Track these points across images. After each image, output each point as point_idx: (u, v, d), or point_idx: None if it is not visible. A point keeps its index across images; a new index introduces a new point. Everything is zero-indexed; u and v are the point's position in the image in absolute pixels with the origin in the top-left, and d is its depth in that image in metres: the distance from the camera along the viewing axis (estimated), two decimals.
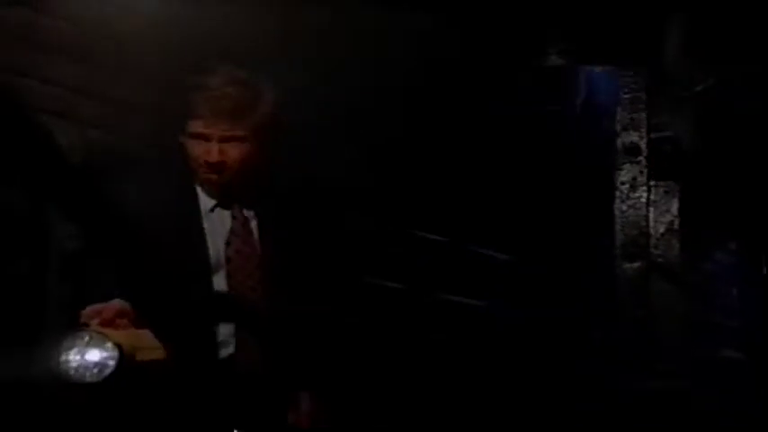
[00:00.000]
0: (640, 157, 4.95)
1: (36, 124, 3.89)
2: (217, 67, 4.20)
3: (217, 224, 4.01)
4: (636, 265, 4.90)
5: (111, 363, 3.42)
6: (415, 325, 5.60)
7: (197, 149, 3.97)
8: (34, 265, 3.83)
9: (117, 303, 3.53)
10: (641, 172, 4.99)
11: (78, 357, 3.47)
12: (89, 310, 3.51)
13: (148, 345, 3.56)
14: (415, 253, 5.68)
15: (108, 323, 3.48)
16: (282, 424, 4.19)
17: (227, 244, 4.01)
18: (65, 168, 3.87)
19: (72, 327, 3.58)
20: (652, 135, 5.06)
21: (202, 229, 4.02)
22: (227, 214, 4.05)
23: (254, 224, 4.10)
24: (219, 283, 4.03)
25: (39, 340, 3.65)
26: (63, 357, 3.47)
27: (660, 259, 4.96)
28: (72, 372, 3.45)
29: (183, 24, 4.68)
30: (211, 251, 3.98)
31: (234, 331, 4.00)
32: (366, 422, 4.99)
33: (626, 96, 5.08)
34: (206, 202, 4.03)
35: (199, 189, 4.06)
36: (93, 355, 3.44)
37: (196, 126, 3.98)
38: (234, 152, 3.97)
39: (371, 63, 5.39)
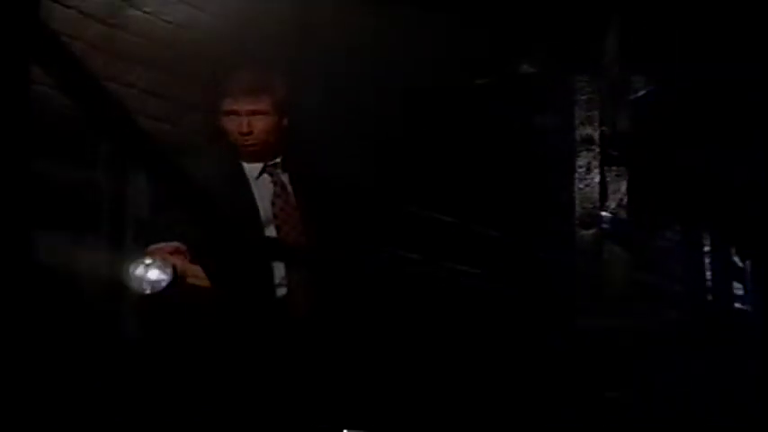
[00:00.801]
0: (594, 147, 5.03)
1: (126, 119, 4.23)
2: (243, 63, 4.64)
3: (263, 189, 4.36)
4: (591, 232, 4.97)
5: (165, 280, 3.85)
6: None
7: (231, 124, 4.36)
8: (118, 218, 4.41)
9: (175, 244, 3.95)
10: (595, 158, 5.03)
11: (143, 274, 3.92)
12: (152, 247, 3.96)
13: (196, 275, 3.98)
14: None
15: (167, 254, 3.91)
16: (329, 358, 4.38)
17: (273, 204, 4.34)
18: (147, 151, 4.25)
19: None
20: (603, 129, 5.12)
21: (251, 192, 4.36)
22: (268, 180, 4.40)
23: (289, 187, 4.39)
24: (271, 235, 4.34)
25: (122, 266, 4.01)
26: (133, 273, 3.92)
27: (611, 228, 5.08)
28: (138, 284, 3.91)
29: (222, 37, 5.05)
30: (261, 210, 4.30)
31: (285, 274, 4.28)
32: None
33: (582, 98, 5.15)
34: (251, 171, 4.37)
35: (244, 163, 4.40)
36: (153, 273, 3.91)
37: (228, 104, 4.35)
38: (259, 124, 4.36)
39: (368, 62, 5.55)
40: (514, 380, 5.47)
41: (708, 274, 7.45)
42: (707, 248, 7.46)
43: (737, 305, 7.67)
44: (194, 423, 4.09)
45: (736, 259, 7.73)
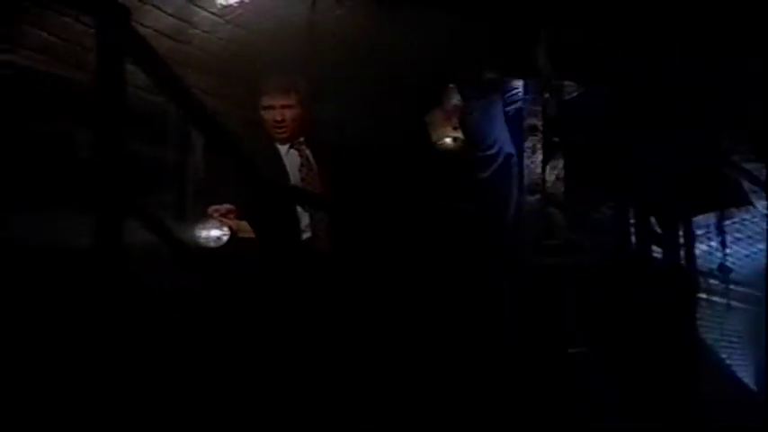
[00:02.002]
0: (538, 133, 5.32)
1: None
2: (276, 69, 4.89)
3: (292, 161, 4.68)
4: (536, 197, 5.34)
5: (225, 236, 4.17)
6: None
7: (268, 115, 4.69)
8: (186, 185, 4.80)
9: (227, 206, 4.24)
10: (539, 142, 5.32)
11: (206, 233, 4.22)
12: (211, 208, 4.23)
13: (245, 229, 4.28)
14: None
15: (222, 215, 4.21)
16: (350, 294, 4.48)
17: (300, 171, 4.64)
18: (207, 136, 4.32)
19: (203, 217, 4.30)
20: (545, 120, 5.35)
21: (283, 163, 4.67)
22: (296, 154, 4.71)
23: (311, 159, 4.71)
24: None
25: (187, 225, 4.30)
26: (199, 233, 4.22)
27: (551, 194, 5.36)
28: (204, 241, 4.20)
29: (260, 49, 5.35)
30: (291, 176, 4.61)
31: (309, 222, 4.58)
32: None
33: (529, 97, 5.42)
34: (282, 149, 4.71)
35: (277, 144, 4.72)
36: (215, 231, 4.20)
37: (266, 101, 4.69)
38: (289, 114, 4.69)
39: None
40: (480, 309, 5.33)
41: (632, 236, 7.31)
42: (631, 216, 7.30)
43: (653, 255, 7.46)
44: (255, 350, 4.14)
45: (654, 224, 7.54)
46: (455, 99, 5.69)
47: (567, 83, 5.60)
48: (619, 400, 5.83)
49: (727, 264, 10.12)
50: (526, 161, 5.38)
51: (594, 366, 5.60)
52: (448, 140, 5.62)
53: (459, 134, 5.59)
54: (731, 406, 8.91)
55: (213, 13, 5.25)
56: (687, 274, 7.94)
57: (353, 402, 4.24)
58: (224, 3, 5.25)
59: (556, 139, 5.42)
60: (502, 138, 5.62)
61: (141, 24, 4.57)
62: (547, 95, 5.41)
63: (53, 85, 4.54)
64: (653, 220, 7.41)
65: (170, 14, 4.99)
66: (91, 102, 3.65)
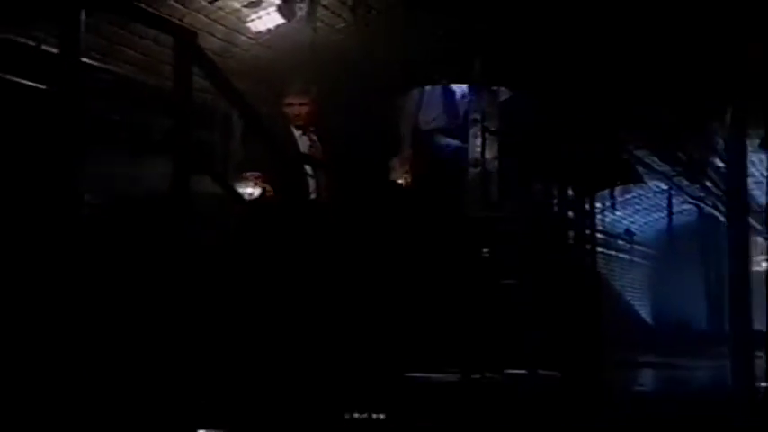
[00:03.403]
0: (478, 124, 5.54)
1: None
2: (295, 77, 5.03)
3: (303, 142, 4.86)
4: (478, 169, 5.55)
5: (257, 191, 4.43)
6: None
7: (290, 110, 4.85)
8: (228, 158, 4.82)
9: (256, 173, 4.50)
10: (479, 131, 5.52)
11: (245, 190, 4.46)
12: (247, 173, 4.52)
13: (269, 190, 4.50)
14: None
15: (254, 179, 4.47)
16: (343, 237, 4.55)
17: (309, 150, 4.85)
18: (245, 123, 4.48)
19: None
20: (484, 115, 5.55)
21: (297, 144, 4.85)
22: (306, 138, 4.88)
23: (317, 141, 4.88)
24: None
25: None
26: (240, 189, 4.42)
27: (489, 168, 5.58)
28: (244, 195, 4.35)
29: (283, 63, 5.49)
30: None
31: (315, 187, 4.76)
32: None
33: (473, 99, 5.62)
34: (297, 134, 4.87)
35: (294, 130, 4.85)
36: (249, 188, 4.51)
37: (288, 100, 4.84)
38: (303, 110, 4.85)
39: None
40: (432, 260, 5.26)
41: (552, 203, 6.91)
42: (552, 189, 6.87)
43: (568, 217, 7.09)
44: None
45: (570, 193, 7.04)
46: (406, 150, 5.69)
47: (500, 89, 5.76)
48: (538, 317, 5.87)
49: (631, 229, 10.58)
50: (470, 144, 5.57)
51: (521, 294, 5.70)
52: (401, 180, 5.60)
53: (408, 175, 5.56)
54: (628, 331, 9.10)
55: (249, 38, 5.54)
56: (589, 234, 7.57)
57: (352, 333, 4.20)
58: (255, 30, 5.53)
59: (492, 129, 5.61)
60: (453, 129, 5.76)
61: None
62: (485, 98, 5.60)
63: (138, 86, 4.79)
64: (569, 191, 7.12)
65: (219, 39, 5.30)
66: (165, 98, 3.76)
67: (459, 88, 5.80)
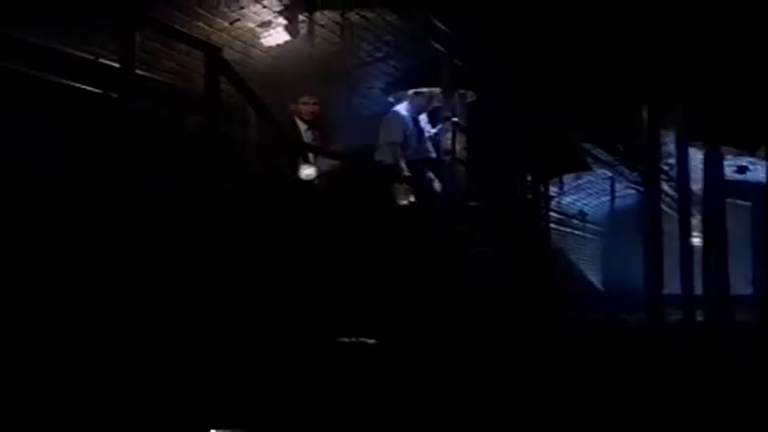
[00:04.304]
0: (449, 120, 5.68)
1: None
2: (305, 84, 5.21)
3: (308, 136, 5.10)
4: (448, 158, 5.70)
5: (313, 173, 4.62)
6: None
7: (302, 108, 5.06)
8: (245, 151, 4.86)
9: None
10: (451, 125, 5.67)
11: (304, 171, 4.66)
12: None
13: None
14: None
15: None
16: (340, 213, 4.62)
17: (312, 142, 5.06)
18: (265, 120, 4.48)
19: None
20: (455, 112, 5.70)
21: (302, 136, 5.04)
22: (311, 133, 5.11)
23: (319, 135, 5.10)
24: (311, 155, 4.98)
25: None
26: (300, 170, 4.64)
27: (457, 157, 5.76)
28: (302, 175, 4.63)
29: (294, 72, 5.55)
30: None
31: (316, 171, 4.89)
32: None
33: (446, 100, 5.73)
34: (303, 129, 5.12)
35: (301, 126, 5.09)
36: (309, 170, 4.70)
37: (299, 102, 5.07)
38: (312, 110, 5.10)
39: None
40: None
41: (514, 187, 7.24)
42: (513, 174, 7.18)
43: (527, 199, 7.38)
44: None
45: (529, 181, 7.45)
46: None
47: (468, 92, 6.03)
48: (506, 280, 6.11)
49: (584, 209, 10.87)
50: (443, 137, 5.80)
51: (490, 260, 5.99)
52: (403, 202, 5.59)
53: (411, 197, 5.57)
54: (581, 296, 9.39)
55: (261, 51, 5.66)
56: (544, 212, 7.92)
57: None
58: (267, 45, 5.64)
59: (462, 125, 5.88)
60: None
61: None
62: (455, 99, 5.81)
63: (175, 91, 4.91)
64: (528, 177, 7.50)
65: (238, 52, 5.44)
66: (197, 100, 3.91)
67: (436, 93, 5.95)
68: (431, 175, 5.76)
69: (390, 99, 6.23)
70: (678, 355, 5.07)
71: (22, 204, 3.18)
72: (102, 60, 4.33)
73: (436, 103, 5.82)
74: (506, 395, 3.57)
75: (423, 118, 5.94)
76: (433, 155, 5.76)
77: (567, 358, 4.58)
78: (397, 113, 5.74)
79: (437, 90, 5.73)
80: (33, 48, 3.89)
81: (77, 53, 4.34)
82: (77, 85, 4.08)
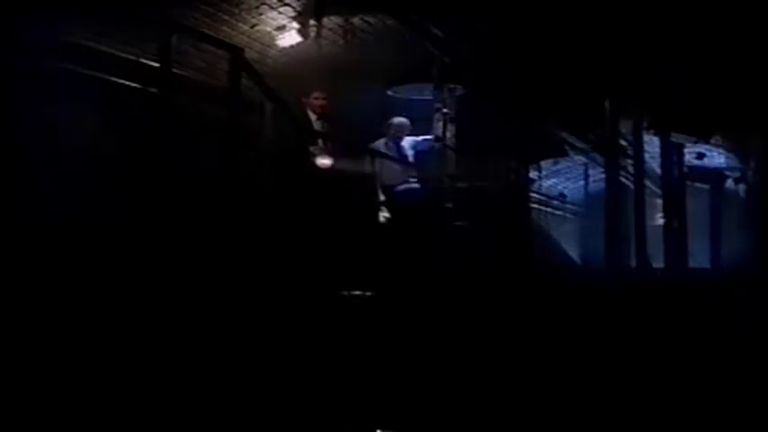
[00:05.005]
0: (441, 111, 5.87)
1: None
2: (316, 80, 5.32)
3: (318, 124, 5.26)
4: (439, 144, 5.90)
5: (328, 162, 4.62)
6: None
7: (313, 102, 5.20)
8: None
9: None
10: (442, 116, 5.87)
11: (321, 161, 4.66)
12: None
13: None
14: None
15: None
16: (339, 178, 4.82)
17: (320, 129, 5.19)
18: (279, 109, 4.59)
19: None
20: (445, 104, 5.87)
21: (313, 125, 5.20)
22: (320, 122, 5.27)
23: (326, 124, 5.26)
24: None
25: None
26: (317, 161, 4.59)
27: (448, 143, 5.92)
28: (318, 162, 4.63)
29: (299, 68, 5.62)
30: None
31: (322, 145, 5.07)
32: None
33: (438, 93, 5.91)
34: (313, 117, 5.26)
35: (312, 117, 5.24)
36: (326, 161, 4.74)
37: (311, 96, 5.22)
38: (321, 103, 5.27)
39: None
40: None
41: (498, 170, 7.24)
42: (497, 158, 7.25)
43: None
44: None
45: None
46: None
47: (457, 86, 6.16)
48: (485, 251, 6.32)
49: (564, 192, 11.07)
50: (434, 126, 6.00)
51: (470, 233, 6.15)
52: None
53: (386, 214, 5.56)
54: (560, 267, 9.53)
55: (277, 51, 5.81)
56: (525, 193, 8.02)
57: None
58: (282, 46, 5.81)
59: (451, 115, 6.03)
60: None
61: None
62: (446, 93, 5.97)
63: (201, 86, 5.03)
64: (511, 162, 7.58)
65: (257, 52, 5.59)
66: (221, 93, 4.12)
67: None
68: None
69: (389, 93, 6.47)
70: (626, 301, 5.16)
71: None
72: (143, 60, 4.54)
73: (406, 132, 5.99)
74: (484, 332, 3.80)
75: (405, 144, 6.08)
76: (413, 181, 5.92)
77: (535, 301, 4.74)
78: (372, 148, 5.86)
79: (406, 121, 5.94)
80: (89, 50, 4.15)
81: (122, 54, 4.56)
82: (123, 81, 4.31)
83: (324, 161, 4.73)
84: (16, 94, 3.33)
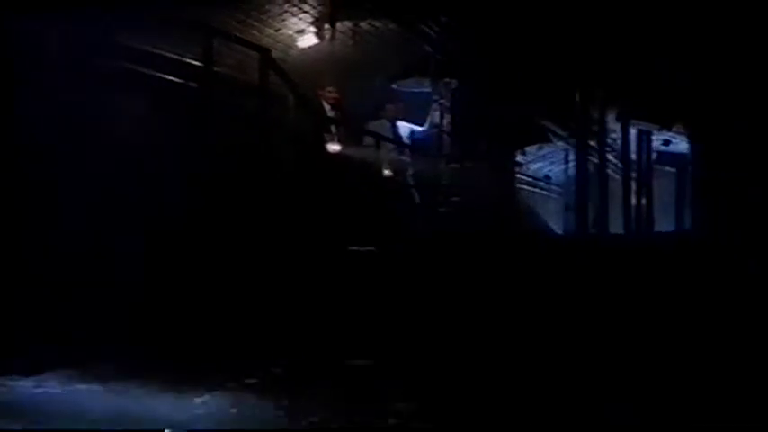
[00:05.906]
0: (437, 102, 6.16)
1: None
2: (329, 78, 5.51)
3: (331, 114, 5.47)
4: (435, 130, 6.22)
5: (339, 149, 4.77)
6: None
7: (327, 95, 5.42)
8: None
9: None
10: (439, 107, 6.10)
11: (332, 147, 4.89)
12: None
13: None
14: None
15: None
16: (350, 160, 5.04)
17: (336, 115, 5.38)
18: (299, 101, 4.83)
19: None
20: (442, 97, 6.16)
21: (326, 111, 5.39)
22: (333, 112, 5.50)
23: (338, 113, 5.47)
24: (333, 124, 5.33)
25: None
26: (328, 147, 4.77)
27: (443, 129, 6.21)
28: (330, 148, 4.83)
29: (317, 65, 5.71)
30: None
31: (335, 132, 5.43)
32: None
33: (433, 86, 6.09)
34: (327, 107, 5.49)
35: (327, 107, 5.47)
36: (336, 147, 4.94)
37: (325, 91, 5.43)
38: (334, 97, 5.48)
39: None
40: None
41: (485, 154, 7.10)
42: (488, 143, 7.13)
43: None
44: None
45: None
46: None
47: (451, 80, 6.35)
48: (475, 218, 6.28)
49: (548, 174, 11.26)
50: (432, 114, 6.26)
51: (455, 213, 6.22)
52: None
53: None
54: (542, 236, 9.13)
55: (298, 51, 5.94)
56: (512, 174, 8.22)
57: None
58: (302, 46, 5.96)
59: (447, 105, 6.30)
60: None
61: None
62: (442, 85, 6.22)
63: (234, 82, 5.09)
64: (500, 146, 7.53)
65: (281, 51, 5.67)
66: (252, 88, 4.49)
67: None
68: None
69: (394, 86, 6.64)
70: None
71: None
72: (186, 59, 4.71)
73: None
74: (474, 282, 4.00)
75: (400, 124, 6.26)
76: (406, 156, 6.14)
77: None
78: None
79: (399, 105, 6.12)
80: (138, 51, 4.30)
81: (166, 54, 4.73)
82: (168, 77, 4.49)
83: (334, 147, 5.02)
84: (95, 92, 3.63)
